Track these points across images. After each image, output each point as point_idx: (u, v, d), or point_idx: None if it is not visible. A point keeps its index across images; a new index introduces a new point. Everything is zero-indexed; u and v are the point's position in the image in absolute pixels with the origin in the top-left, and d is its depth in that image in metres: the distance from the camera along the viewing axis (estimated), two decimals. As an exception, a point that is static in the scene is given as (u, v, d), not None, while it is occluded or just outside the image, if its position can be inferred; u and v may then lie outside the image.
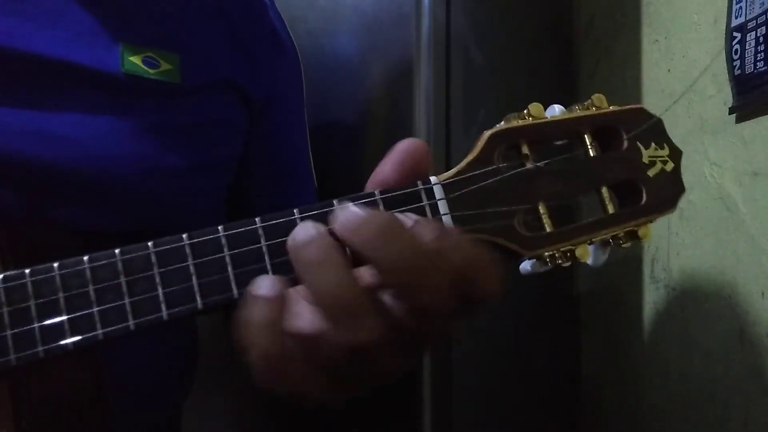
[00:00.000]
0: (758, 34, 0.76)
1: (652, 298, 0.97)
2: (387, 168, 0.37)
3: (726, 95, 0.81)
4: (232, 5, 0.62)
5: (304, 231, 0.34)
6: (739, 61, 0.79)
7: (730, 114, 0.81)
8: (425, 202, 0.37)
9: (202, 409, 0.80)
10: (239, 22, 0.62)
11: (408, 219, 0.35)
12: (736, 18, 0.80)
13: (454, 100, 0.86)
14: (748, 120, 0.79)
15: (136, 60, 0.53)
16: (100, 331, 0.34)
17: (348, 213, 0.33)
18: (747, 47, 0.78)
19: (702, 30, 0.87)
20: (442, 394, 0.85)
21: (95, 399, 0.43)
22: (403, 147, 0.37)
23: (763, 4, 0.75)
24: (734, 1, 0.80)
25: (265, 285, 0.34)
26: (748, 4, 0.78)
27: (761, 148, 0.77)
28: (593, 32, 1.11)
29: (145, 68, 0.54)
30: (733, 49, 0.80)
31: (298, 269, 0.33)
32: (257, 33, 0.63)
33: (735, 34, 0.80)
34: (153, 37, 0.55)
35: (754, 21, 0.76)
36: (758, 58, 0.76)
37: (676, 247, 0.91)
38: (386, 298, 0.33)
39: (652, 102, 0.98)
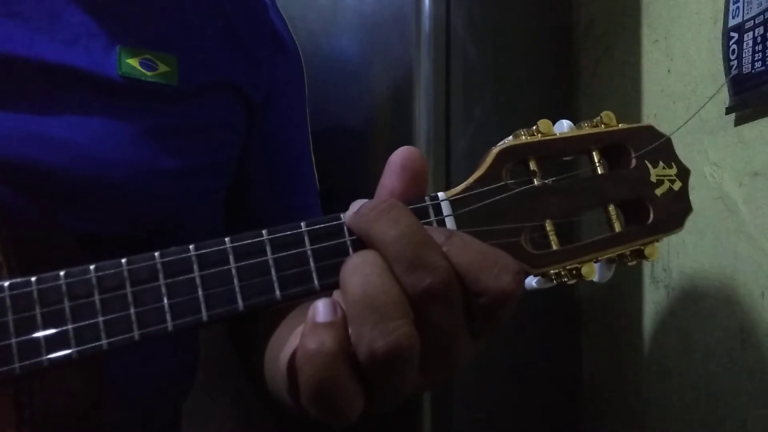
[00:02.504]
0: (756, 35, 0.75)
1: (652, 298, 0.97)
2: (393, 181, 0.37)
3: (726, 95, 0.81)
4: (231, 6, 0.61)
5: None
6: (736, 61, 0.79)
7: (726, 114, 0.81)
8: (432, 218, 0.36)
9: (202, 410, 0.80)
10: (239, 23, 0.62)
11: None
12: (734, 18, 0.79)
13: (454, 100, 0.86)
14: (747, 120, 0.79)
15: (133, 62, 0.53)
16: (104, 341, 0.34)
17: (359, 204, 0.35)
18: (744, 47, 0.77)
19: (702, 30, 0.87)
20: (441, 395, 0.85)
21: (96, 404, 0.43)
22: (401, 156, 0.37)
23: (761, 4, 0.75)
24: (731, 1, 0.80)
25: (325, 311, 0.33)
26: (745, 4, 0.77)
27: (761, 148, 0.77)
28: (593, 32, 1.11)
29: (143, 71, 0.53)
30: (731, 50, 0.80)
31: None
32: (257, 34, 0.63)
33: (732, 34, 0.79)
34: (151, 38, 0.55)
35: (752, 21, 0.76)
36: (756, 59, 0.76)
37: (675, 247, 0.91)
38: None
39: (651, 102, 0.98)
